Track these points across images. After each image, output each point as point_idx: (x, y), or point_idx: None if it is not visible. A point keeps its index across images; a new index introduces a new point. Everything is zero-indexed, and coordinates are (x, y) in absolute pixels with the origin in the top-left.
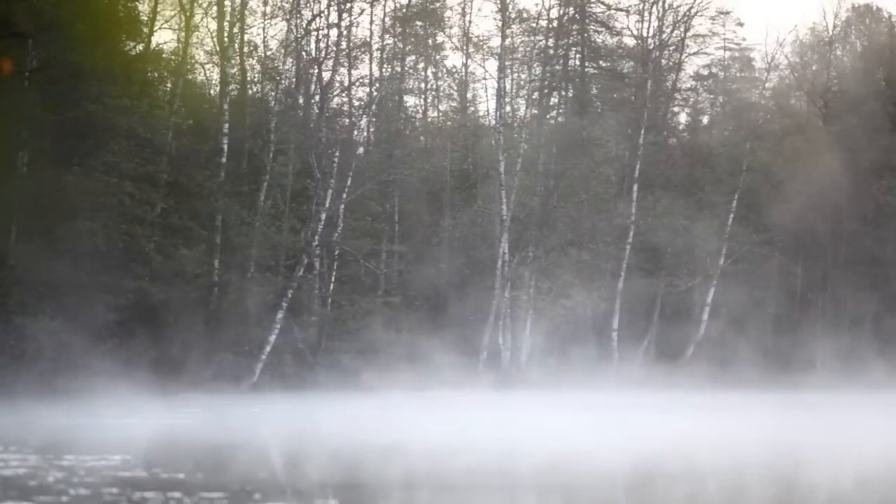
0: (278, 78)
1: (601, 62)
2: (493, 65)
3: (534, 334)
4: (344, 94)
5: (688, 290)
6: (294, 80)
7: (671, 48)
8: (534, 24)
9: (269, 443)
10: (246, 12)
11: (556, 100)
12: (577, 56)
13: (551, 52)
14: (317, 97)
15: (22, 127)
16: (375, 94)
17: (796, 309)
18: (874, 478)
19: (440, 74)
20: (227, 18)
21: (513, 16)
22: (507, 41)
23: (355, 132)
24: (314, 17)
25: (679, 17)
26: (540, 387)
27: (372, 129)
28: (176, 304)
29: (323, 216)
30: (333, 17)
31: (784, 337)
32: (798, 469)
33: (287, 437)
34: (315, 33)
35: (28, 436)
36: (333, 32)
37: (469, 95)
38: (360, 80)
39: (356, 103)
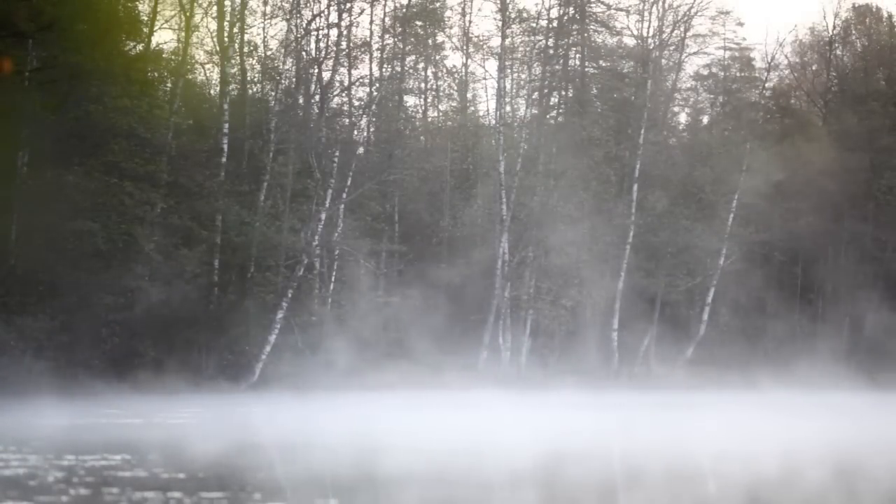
0: (278, 78)
1: (601, 62)
2: (493, 65)
3: (534, 334)
4: (344, 94)
5: (688, 290)
6: (294, 80)
7: (671, 48)
8: (534, 24)
9: (268, 443)
10: (246, 12)
11: (556, 100)
12: (577, 56)
13: (551, 52)
14: (317, 97)
15: (22, 127)
16: (375, 94)
17: (796, 309)
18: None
19: (440, 74)
20: (227, 18)
21: (513, 16)
22: (507, 41)
23: (355, 132)
24: (314, 17)
25: (679, 17)
26: (539, 387)
27: (372, 129)
28: (176, 304)
29: (323, 216)
30: (333, 17)
31: (783, 336)
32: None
33: (286, 437)
34: (315, 33)
35: (28, 436)
36: (333, 32)
37: (469, 95)
38: (360, 80)
39: (356, 103)
